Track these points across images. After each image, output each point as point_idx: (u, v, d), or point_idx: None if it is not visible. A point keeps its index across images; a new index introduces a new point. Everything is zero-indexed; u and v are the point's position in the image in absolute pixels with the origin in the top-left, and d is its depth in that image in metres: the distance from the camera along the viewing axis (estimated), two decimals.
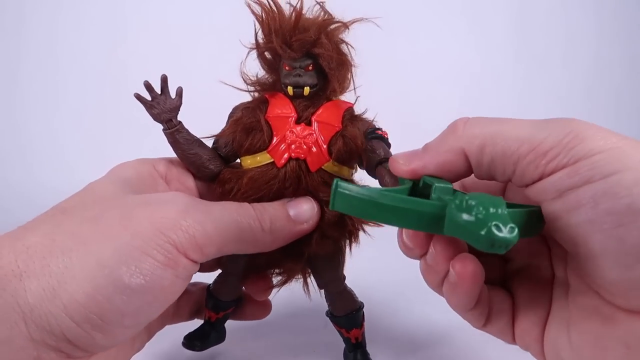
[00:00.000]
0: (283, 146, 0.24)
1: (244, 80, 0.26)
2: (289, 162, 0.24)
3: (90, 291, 0.18)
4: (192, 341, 0.29)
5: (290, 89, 0.24)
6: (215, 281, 0.29)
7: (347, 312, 0.28)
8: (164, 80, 0.24)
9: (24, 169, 0.73)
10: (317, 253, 0.25)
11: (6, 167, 0.73)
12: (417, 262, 0.21)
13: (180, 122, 0.25)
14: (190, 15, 0.79)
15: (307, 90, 0.24)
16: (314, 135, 0.24)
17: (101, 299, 0.18)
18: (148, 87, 0.24)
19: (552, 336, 0.19)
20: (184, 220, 0.20)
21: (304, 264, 0.26)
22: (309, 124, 0.24)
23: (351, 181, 0.26)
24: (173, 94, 0.24)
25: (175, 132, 0.25)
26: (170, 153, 0.26)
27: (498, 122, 0.19)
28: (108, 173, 0.24)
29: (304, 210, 0.24)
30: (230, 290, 0.28)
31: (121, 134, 0.73)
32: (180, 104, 0.24)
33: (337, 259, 0.27)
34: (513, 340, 0.21)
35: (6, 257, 0.18)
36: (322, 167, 0.24)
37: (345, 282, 0.28)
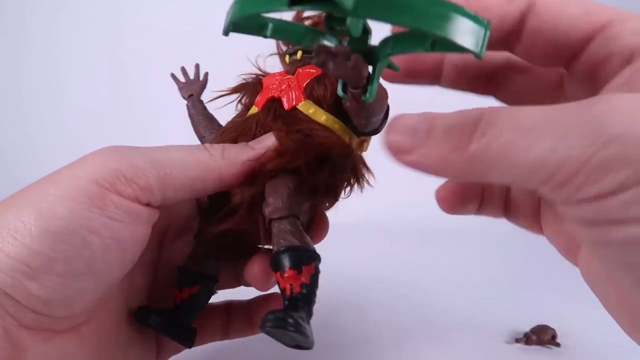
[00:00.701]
0: (265, 93, 0.24)
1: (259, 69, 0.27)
2: (267, 103, 0.23)
3: (11, 240, 0.18)
4: (147, 313, 0.24)
5: (286, 57, 0.25)
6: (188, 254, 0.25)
7: (276, 250, 0.22)
8: (197, 66, 0.29)
9: (29, 168, 0.74)
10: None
11: (9, 167, 0.73)
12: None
13: (196, 100, 0.28)
14: (190, 14, 0.80)
15: (299, 53, 0.24)
16: (293, 79, 0.23)
17: (22, 247, 0.18)
18: (183, 70, 0.29)
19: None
20: (105, 157, 0.20)
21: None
22: (294, 74, 0.24)
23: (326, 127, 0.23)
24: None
25: (188, 107, 0.28)
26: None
27: None
28: None
29: (264, 140, 0.23)
30: (201, 255, 0.25)
31: (123, 132, 0.73)
32: (204, 85, 0.28)
33: (284, 183, 0.23)
34: (540, 231, 0.21)
35: None
36: (297, 107, 0.23)
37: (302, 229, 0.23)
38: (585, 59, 0.17)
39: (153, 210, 0.21)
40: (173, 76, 0.29)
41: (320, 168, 0.23)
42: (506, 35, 0.17)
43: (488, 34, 0.14)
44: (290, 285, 0.21)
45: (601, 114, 0.12)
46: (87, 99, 0.78)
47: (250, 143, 0.23)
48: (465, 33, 0.14)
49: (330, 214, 0.27)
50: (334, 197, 0.24)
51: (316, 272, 0.21)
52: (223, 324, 0.28)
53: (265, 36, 0.20)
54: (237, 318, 0.29)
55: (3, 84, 0.79)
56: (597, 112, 0.13)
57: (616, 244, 0.13)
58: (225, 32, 0.17)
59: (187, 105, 0.28)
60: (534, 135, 0.13)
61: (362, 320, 0.29)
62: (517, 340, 0.31)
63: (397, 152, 0.16)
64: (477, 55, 0.14)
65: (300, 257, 0.21)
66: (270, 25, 0.20)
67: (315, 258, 0.21)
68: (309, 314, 0.21)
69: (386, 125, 0.16)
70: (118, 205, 0.19)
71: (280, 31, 0.20)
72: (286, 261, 0.21)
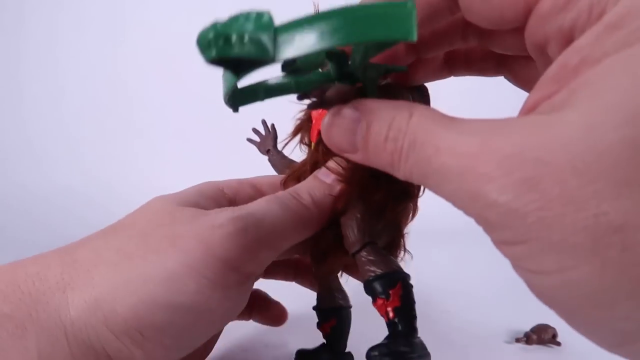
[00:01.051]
0: (314, 127, 0.25)
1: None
2: (318, 137, 0.24)
3: (131, 304, 0.17)
4: (310, 355, 0.26)
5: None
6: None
7: (365, 279, 0.24)
8: (264, 122, 0.30)
9: (33, 169, 0.73)
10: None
11: (15, 169, 0.73)
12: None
13: (273, 152, 0.30)
14: (190, 14, 0.79)
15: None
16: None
17: (142, 313, 0.17)
18: (255, 131, 0.30)
19: None
20: (229, 232, 0.19)
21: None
22: None
23: None
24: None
25: (269, 160, 0.29)
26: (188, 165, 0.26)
27: None
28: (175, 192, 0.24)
29: (331, 167, 0.22)
30: (325, 293, 0.27)
31: (123, 132, 0.73)
32: (276, 136, 0.29)
33: (352, 215, 0.24)
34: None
35: (53, 270, 0.18)
36: None
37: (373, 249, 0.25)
38: (528, 34, 0.15)
39: (252, 280, 0.21)
40: (249, 139, 0.30)
41: (377, 186, 0.23)
42: (444, 9, 0.17)
43: (414, 14, 0.13)
44: (386, 312, 0.22)
45: (512, 155, 0.12)
46: (87, 99, 0.78)
47: (319, 176, 0.23)
48: (395, 25, 0.13)
49: None
50: (402, 210, 0.25)
51: (405, 291, 0.22)
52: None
53: (262, 100, 0.20)
54: (258, 304, 0.29)
55: (8, 83, 0.79)
56: (508, 154, 0.13)
57: (536, 291, 0.13)
58: (234, 109, 0.17)
59: (268, 158, 0.30)
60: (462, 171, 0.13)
61: (362, 320, 0.29)
62: (518, 340, 0.31)
63: (341, 152, 0.18)
64: (411, 40, 0.13)
65: (382, 284, 0.22)
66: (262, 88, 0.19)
67: (398, 279, 0.22)
68: (412, 330, 0.22)
69: (328, 117, 0.18)
70: (237, 282, 0.19)
71: (272, 90, 0.19)
72: (372, 292, 0.22)
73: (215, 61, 0.14)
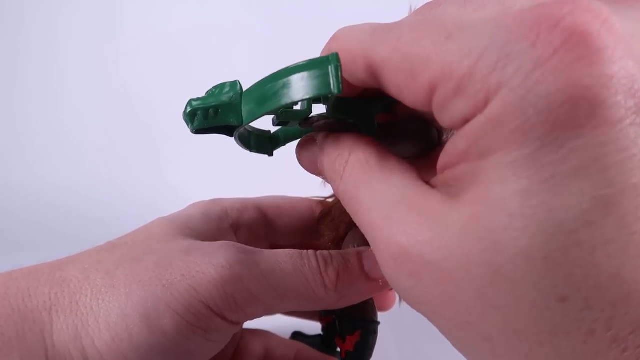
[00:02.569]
0: None
1: None
2: None
3: (108, 339, 0.17)
4: None
5: None
6: None
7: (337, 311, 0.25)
8: None
9: (24, 168, 0.74)
10: None
11: (6, 167, 0.73)
12: None
13: None
14: (190, 14, 0.79)
15: None
16: None
17: (118, 349, 0.17)
18: None
19: None
20: (222, 276, 0.18)
21: None
22: None
23: None
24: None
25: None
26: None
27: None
28: (179, 211, 0.24)
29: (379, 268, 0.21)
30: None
31: (123, 132, 0.73)
32: None
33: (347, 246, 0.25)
34: None
35: (42, 287, 0.17)
36: None
37: None
38: (438, 119, 0.14)
39: (238, 326, 0.20)
40: None
41: None
42: (371, 85, 0.16)
43: (334, 67, 0.14)
44: (341, 349, 0.23)
45: (403, 244, 0.13)
46: (88, 98, 0.78)
47: (365, 262, 0.20)
48: (313, 83, 0.14)
49: None
50: None
51: (363, 340, 0.22)
52: None
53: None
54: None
55: (2, 82, 0.79)
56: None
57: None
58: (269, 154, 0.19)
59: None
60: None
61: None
62: None
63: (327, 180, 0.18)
64: (333, 93, 0.14)
65: (342, 327, 0.23)
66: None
67: (358, 327, 0.23)
68: None
69: (299, 143, 0.19)
70: (219, 328, 0.18)
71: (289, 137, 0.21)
72: (337, 327, 0.23)
73: (199, 131, 0.17)
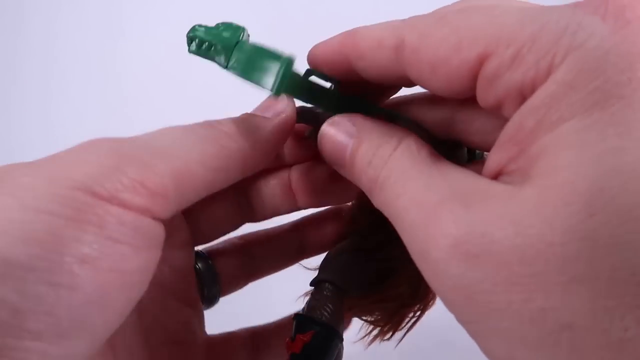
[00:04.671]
0: None
1: None
2: None
3: None
4: None
5: None
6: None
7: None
8: None
9: None
10: None
11: None
12: None
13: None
14: (192, 15, 0.79)
15: None
16: None
17: None
18: None
19: None
20: (93, 152, 0.14)
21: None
22: None
23: None
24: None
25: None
26: None
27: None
28: None
29: (274, 105, 0.18)
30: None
31: (123, 131, 0.73)
32: None
33: (339, 247, 0.23)
34: None
35: None
36: None
37: None
38: (480, 98, 0.13)
39: (163, 226, 0.15)
40: None
41: (378, 231, 0.22)
42: (389, 78, 0.16)
43: (283, 70, 0.15)
44: (287, 352, 0.20)
45: (462, 224, 0.12)
46: (87, 99, 0.78)
47: (255, 111, 0.19)
48: (263, 72, 0.16)
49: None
50: (401, 277, 0.22)
51: (314, 343, 0.19)
52: (248, 355, 0.23)
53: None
54: (267, 349, 0.24)
55: (2, 84, 0.79)
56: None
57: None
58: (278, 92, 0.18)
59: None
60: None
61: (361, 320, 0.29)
62: None
63: (330, 163, 0.17)
64: (273, 92, 0.15)
65: (296, 325, 0.20)
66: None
67: (313, 329, 0.20)
68: None
69: (325, 125, 0.18)
70: (121, 220, 0.13)
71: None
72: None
73: (193, 53, 0.18)
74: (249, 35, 0.19)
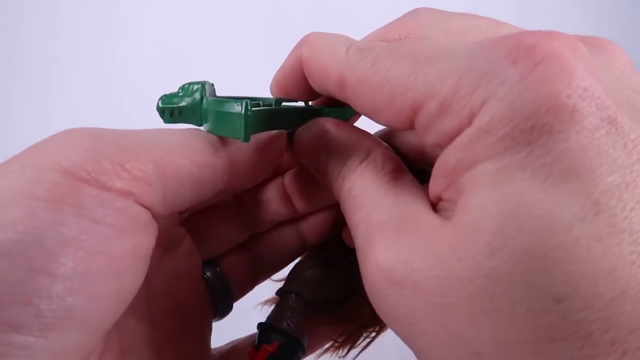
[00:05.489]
0: None
1: None
2: None
3: None
4: None
5: None
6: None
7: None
8: None
9: None
10: None
11: None
12: None
13: None
14: (190, 13, 0.79)
15: None
16: None
17: None
18: None
19: None
20: (73, 137, 0.14)
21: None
22: None
23: None
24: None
25: None
26: None
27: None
28: None
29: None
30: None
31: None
32: None
33: (306, 261, 0.23)
34: None
35: None
36: None
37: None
38: (421, 137, 0.14)
39: (151, 215, 0.14)
40: None
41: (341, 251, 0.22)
42: (342, 100, 0.16)
43: (243, 115, 0.15)
44: None
45: (391, 252, 0.13)
46: (86, 99, 0.78)
47: None
48: (229, 125, 0.16)
49: None
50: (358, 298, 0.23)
51: (279, 354, 0.19)
52: None
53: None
54: None
55: (2, 84, 0.79)
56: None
57: None
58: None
59: None
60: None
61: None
62: None
63: (306, 165, 0.18)
64: (242, 140, 0.16)
65: (260, 334, 0.20)
66: None
67: (278, 339, 0.19)
68: None
69: (300, 129, 0.18)
70: (102, 201, 0.12)
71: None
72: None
73: (169, 123, 0.18)
74: (212, 85, 0.19)
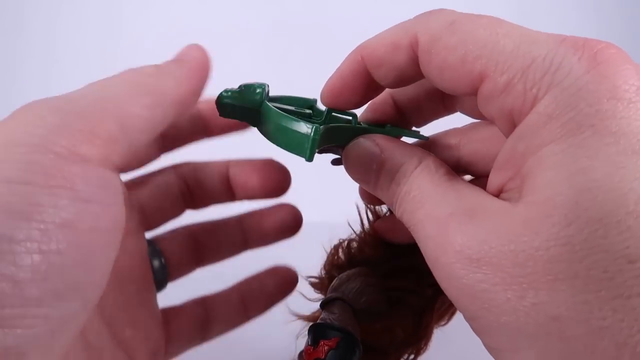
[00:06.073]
0: None
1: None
2: None
3: None
4: None
5: None
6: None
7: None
8: None
9: None
10: None
11: None
12: None
13: None
14: (193, 15, 0.79)
15: None
16: None
17: None
18: None
19: None
20: (37, 113, 0.14)
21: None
22: None
23: None
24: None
25: None
26: None
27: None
28: None
29: (187, 53, 0.20)
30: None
31: None
32: None
33: (355, 271, 0.24)
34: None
35: None
36: None
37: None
38: (480, 108, 0.16)
39: (120, 179, 0.16)
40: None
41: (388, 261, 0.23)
42: (409, 77, 0.18)
43: (311, 138, 0.16)
44: None
45: (465, 234, 0.14)
46: None
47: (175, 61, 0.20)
48: (292, 140, 0.17)
49: (323, 211, 0.27)
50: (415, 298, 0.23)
51: (339, 351, 0.19)
52: (202, 322, 0.25)
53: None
54: (220, 308, 0.26)
55: (2, 84, 0.79)
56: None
57: None
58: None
59: None
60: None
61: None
62: None
63: (356, 180, 0.19)
64: (305, 159, 0.17)
65: (317, 331, 0.20)
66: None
67: (337, 335, 0.19)
68: None
69: (349, 147, 0.19)
70: (87, 177, 0.13)
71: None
72: (308, 341, 0.20)
73: (225, 117, 0.19)
74: (268, 86, 0.21)
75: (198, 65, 0.20)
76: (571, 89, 0.13)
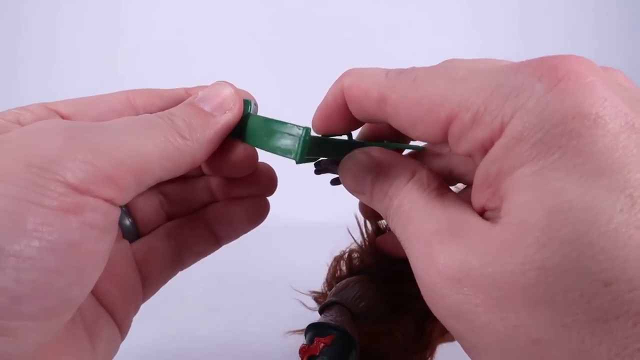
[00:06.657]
0: None
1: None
2: None
3: None
4: None
5: None
6: None
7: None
8: None
9: None
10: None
11: None
12: None
13: None
14: (193, 15, 0.80)
15: None
16: None
17: None
18: None
19: None
20: (69, 146, 0.14)
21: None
22: None
23: None
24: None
25: None
26: None
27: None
28: None
29: (220, 96, 0.19)
30: None
31: None
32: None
33: (355, 278, 0.24)
34: None
35: None
36: None
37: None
38: (453, 148, 0.16)
39: (117, 209, 0.16)
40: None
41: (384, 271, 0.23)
42: (381, 119, 0.18)
43: (302, 139, 0.17)
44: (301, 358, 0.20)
45: (448, 253, 0.14)
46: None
47: (196, 103, 0.19)
48: (283, 144, 0.17)
49: (321, 211, 0.27)
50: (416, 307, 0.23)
51: (333, 348, 0.19)
52: (173, 258, 0.24)
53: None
54: (191, 240, 0.25)
55: (2, 84, 0.80)
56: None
57: None
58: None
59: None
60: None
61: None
62: None
63: (352, 192, 0.20)
64: (296, 161, 0.17)
65: (314, 330, 0.20)
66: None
67: (333, 334, 0.20)
68: None
69: (345, 159, 0.19)
70: (93, 207, 0.14)
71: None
72: (306, 339, 0.21)
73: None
74: (256, 104, 0.21)
75: (224, 127, 0.19)
76: (535, 109, 0.13)
